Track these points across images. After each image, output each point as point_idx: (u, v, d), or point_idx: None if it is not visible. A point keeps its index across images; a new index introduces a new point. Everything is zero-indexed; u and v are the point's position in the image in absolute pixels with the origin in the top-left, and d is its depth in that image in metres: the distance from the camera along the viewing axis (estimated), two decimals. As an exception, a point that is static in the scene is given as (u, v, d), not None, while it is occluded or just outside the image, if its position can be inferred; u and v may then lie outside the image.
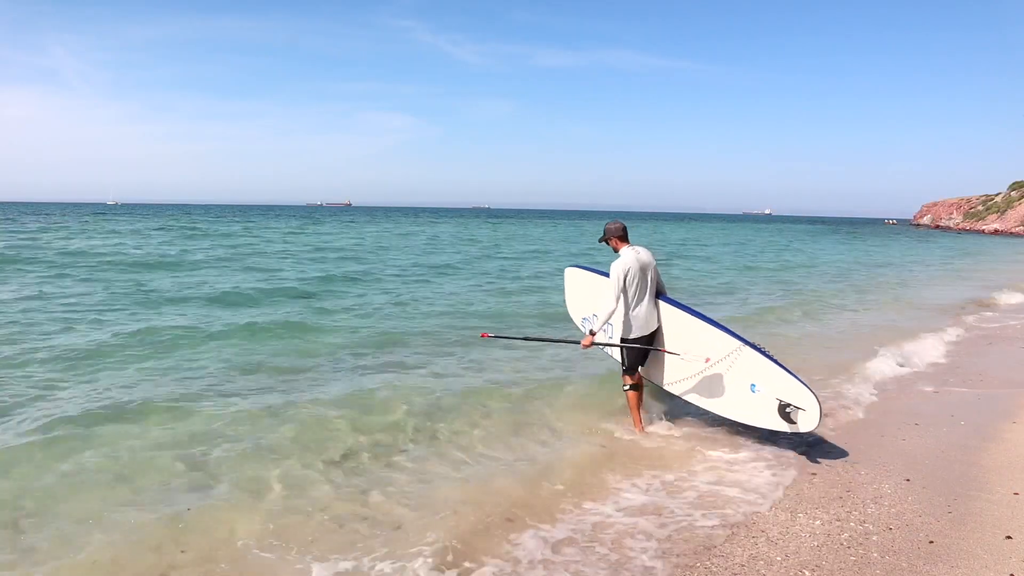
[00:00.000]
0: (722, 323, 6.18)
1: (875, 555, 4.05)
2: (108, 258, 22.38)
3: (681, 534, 4.36)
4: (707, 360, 5.96)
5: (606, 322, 6.10)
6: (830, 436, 6.26)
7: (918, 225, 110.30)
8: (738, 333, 6.04)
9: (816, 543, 4.21)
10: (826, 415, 6.78)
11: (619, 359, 6.48)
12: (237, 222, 61.45)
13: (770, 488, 5.09)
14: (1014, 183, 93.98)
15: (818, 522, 4.49)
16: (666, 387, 6.48)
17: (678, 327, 6.21)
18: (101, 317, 11.39)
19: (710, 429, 6.37)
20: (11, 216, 65.79)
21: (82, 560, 3.89)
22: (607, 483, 5.16)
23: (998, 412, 7.05)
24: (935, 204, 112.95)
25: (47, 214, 75.02)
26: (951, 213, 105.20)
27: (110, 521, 4.35)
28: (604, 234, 6.28)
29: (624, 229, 6.20)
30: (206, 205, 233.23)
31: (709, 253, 33.93)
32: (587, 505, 4.78)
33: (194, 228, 46.39)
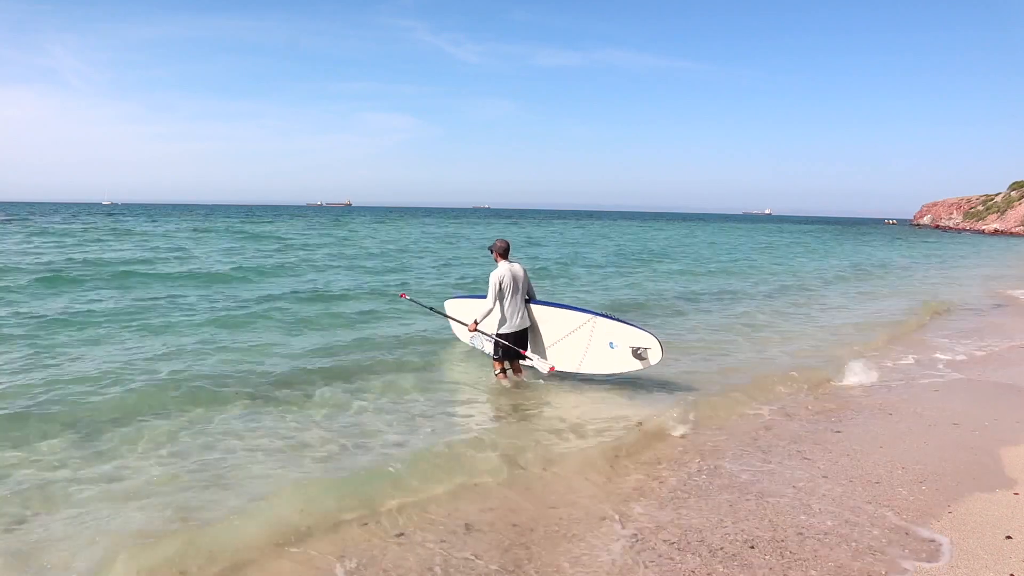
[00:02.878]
0: (575, 305, 8.10)
1: (875, 555, 4.07)
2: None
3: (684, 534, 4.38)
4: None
5: (486, 316, 7.67)
6: (833, 436, 6.30)
7: (918, 225, 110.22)
8: (587, 308, 7.82)
9: (817, 542, 4.23)
10: (830, 415, 6.88)
11: (490, 351, 8.01)
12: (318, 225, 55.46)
13: (773, 489, 5.11)
14: (1014, 183, 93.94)
15: (819, 521, 4.52)
16: (558, 367, 7.67)
17: (547, 317, 7.84)
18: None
19: (708, 432, 6.42)
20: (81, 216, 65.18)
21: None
22: (623, 478, 5.20)
23: (998, 412, 7.08)
24: (935, 204, 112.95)
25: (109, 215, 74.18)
26: (951, 213, 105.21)
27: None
28: (492, 247, 7.89)
29: (507, 248, 7.78)
30: (207, 205, 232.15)
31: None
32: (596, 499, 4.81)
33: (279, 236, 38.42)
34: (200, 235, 37.37)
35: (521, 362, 7.92)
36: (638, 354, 7.18)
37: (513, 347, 7.70)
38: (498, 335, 7.77)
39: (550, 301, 8.06)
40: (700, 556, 4.03)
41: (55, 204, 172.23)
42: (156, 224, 50.18)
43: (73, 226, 43.08)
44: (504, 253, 7.75)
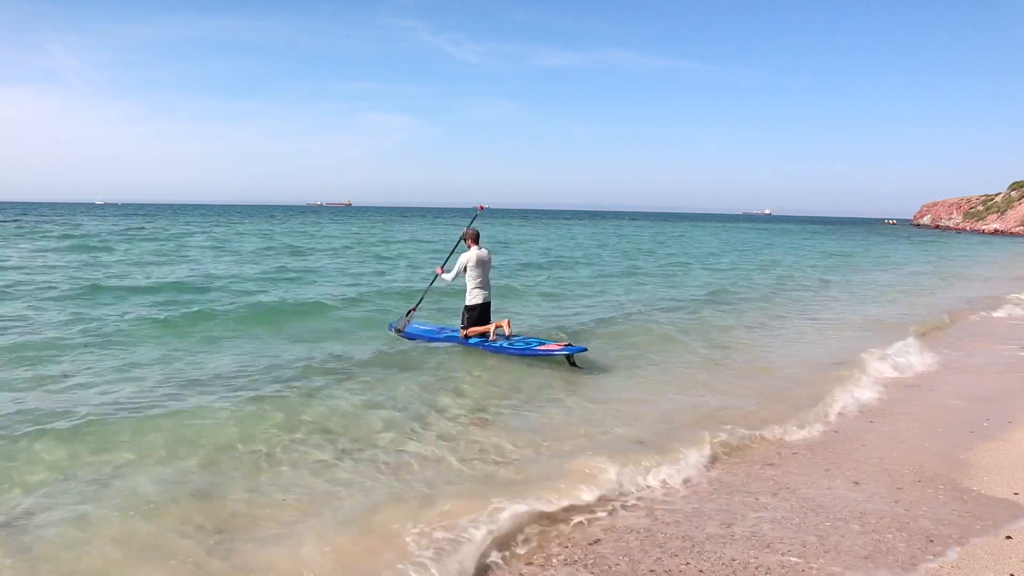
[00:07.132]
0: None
1: (876, 555, 4.11)
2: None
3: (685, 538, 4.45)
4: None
5: (438, 277, 9.35)
6: (834, 437, 6.34)
7: (918, 225, 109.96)
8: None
9: (817, 543, 4.28)
10: (831, 415, 6.89)
11: (461, 321, 9.28)
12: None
13: (774, 488, 5.16)
14: (1014, 183, 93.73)
15: (819, 521, 4.57)
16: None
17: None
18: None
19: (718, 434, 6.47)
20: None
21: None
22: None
23: (997, 413, 7.11)
24: (935, 204, 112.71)
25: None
26: (951, 213, 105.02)
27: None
28: (463, 235, 9.26)
29: (477, 235, 9.11)
30: (207, 205, 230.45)
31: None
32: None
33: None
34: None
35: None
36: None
37: (479, 317, 9.07)
38: (466, 307, 9.13)
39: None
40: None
41: (48, 204, 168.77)
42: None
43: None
44: (475, 239, 9.08)
